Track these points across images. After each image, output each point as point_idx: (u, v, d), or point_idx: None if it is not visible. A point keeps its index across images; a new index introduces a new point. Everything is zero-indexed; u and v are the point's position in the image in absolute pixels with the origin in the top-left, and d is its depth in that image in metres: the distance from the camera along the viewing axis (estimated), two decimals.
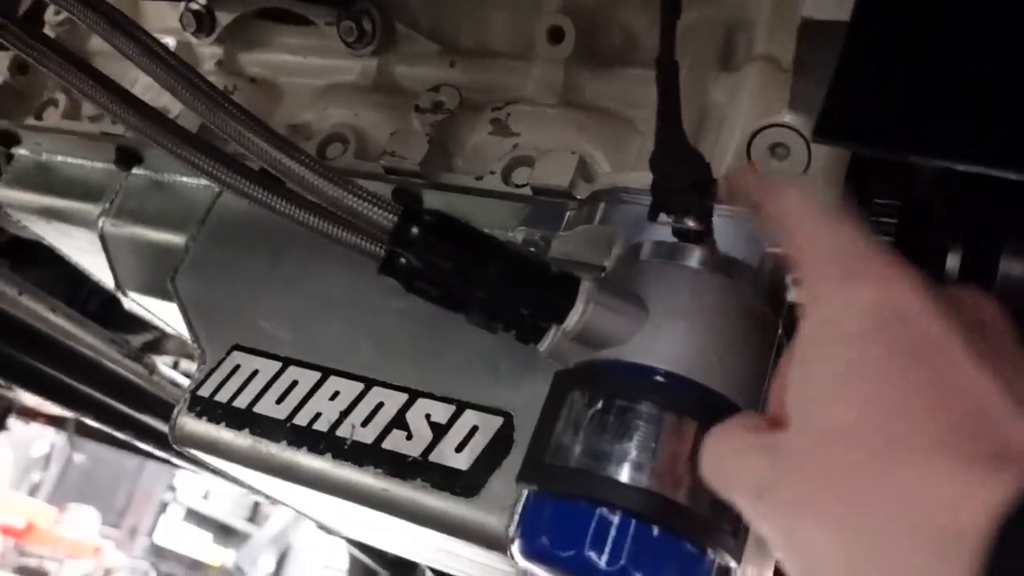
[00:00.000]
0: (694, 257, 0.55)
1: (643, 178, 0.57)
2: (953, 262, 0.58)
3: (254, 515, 7.13)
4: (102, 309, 1.48)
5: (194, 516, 7.05)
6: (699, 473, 0.42)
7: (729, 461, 0.39)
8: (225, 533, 7.11)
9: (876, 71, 0.45)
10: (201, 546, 7.00)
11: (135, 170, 0.89)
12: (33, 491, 6.69)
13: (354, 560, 2.11)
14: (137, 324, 1.50)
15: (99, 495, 6.80)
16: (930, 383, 0.31)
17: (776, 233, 0.40)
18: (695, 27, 0.68)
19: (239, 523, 7.13)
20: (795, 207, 0.39)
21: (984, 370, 0.31)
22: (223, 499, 7.07)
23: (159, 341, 1.76)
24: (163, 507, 7.09)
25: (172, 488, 7.04)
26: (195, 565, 7.01)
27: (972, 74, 0.45)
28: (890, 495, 0.30)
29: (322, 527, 1.35)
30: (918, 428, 0.30)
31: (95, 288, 1.19)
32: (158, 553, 6.95)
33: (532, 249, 0.64)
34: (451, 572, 1.16)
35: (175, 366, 1.62)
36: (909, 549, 0.28)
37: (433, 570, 1.51)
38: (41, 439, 6.56)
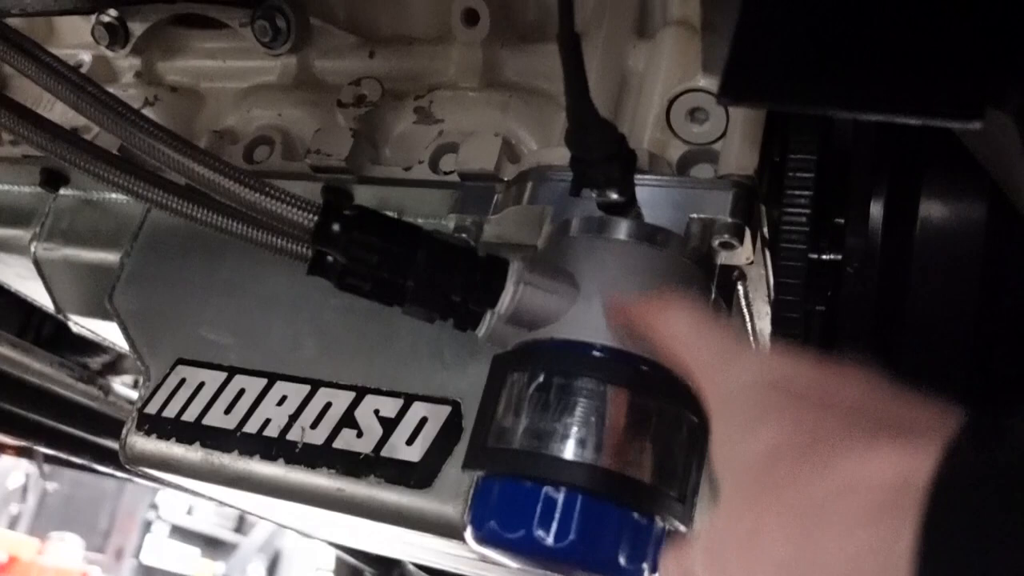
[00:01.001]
0: (621, 229, 0.55)
1: (567, 155, 0.57)
2: (876, 208, 0.58)
3: (240, 525, 7.09)
4: (57, 334, 1.46)
5: (179, 532, 6.99)
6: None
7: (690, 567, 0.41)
8: (212, 546, 7.06)
9: (777, 26, 0.46)
10: (189, 561, 6.94)
11: (63, 191, 0.87)
12: (13, 524, 6.58)
13: (339, 561, 2.11)
14: (94, 347, 1.48)
15: (81, 521, 6.71)
16: (823, 401, 0.36)
17: (664, 352, 0.46)
18: None
19: (226, 534, 7.08)
20: (674, 327, 0.46)
21: (856, 387, 0.36)
22: (207, 512, 7.01)
23: (117, 362, 1.73)
24: (147, 526, 7.02)
25: (154, 506, 6.97)
26: None
27: (872, 23, 0.45)
28: (825, 488, 0.32)
29: (302, 533, 1.35)
30: (830, 428, 0.34)
31: (48, 315, 1.17)
32: (146, 573, 6.88)
33: (464, 235, 0.64)
34: (428, 564, 1.17)
35: (135, 385, 1.60)
36: (863, 531, 0.30)
37: (415, 564, 1.52)
38: (16, 471, 6.45)
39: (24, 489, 6.66)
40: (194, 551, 6.99)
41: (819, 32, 0.45)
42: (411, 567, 1.58)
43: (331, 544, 1.75)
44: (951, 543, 0.27)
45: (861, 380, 0.37)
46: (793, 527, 0.33)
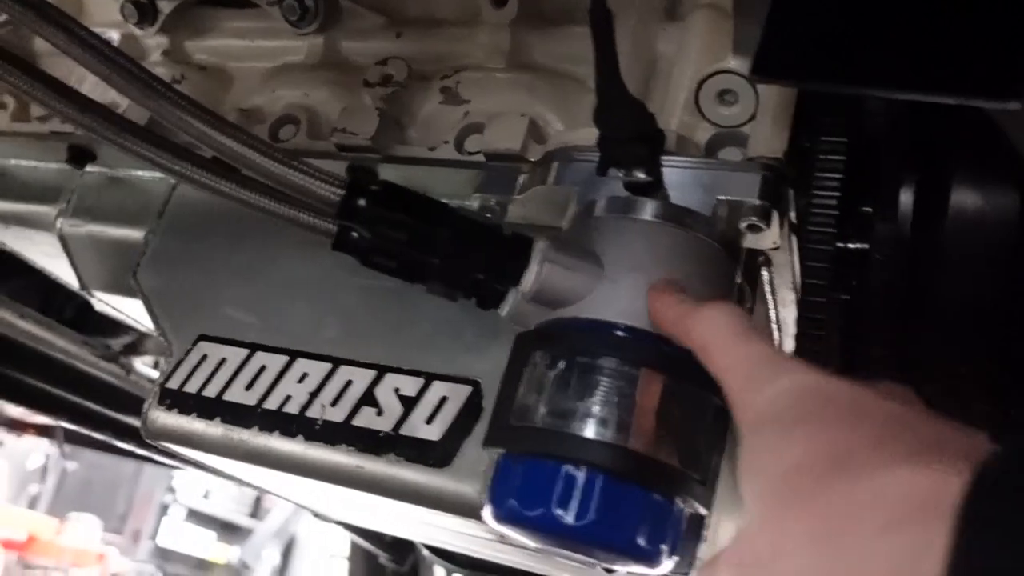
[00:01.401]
0: (647, 210, 0.55)
1: (593, 135, 0.56)
2: (906, 195, 0.58)
3: (256, 510, 7.15)
4: (79, 315, 1.47)
5: (196, 516, 7.06)
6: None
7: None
8: (228, 530, 7.12)
9: (811, 5, 0.45)
10: (205, 545, 7.01)
11: (89, 168, 0.87)
12: (32, 503, 6.67)
13: (354, 545, 2.12)
14: (116, 327, 1.49)
15: (99, 502, 6.79)
16: (854, 415, 0.36)
17: (700, 357, 0.46)
18: None
19: (241, 519, 7.14)
20: (711, 334, 0.45)
21: (893, 403, 0.36)
22: (224, 496, 7.07)
23: (138, 342, 1.75)
24: (164, 509, 7.09)
25: (172, 490, 7.04)
26: (201, 564, 7.03)
27: (908, 2, 0.44)
28: (857, 502, 0.32)
29: (317, 515, 1.36)
30: (858, 443, 0.34)
31: (71, 295, 1.18)
32: (163, 555, 6.96)
33: (488, 215, 0.63)
34: (442, 545, 1.17)
35: (155, 365, 1.61)
36: (888, 543, 0.31)
37: (427, 546, 1.52)
38: (36, 451, 6.53)
39: (44, 470, 6.75)
40: (210, 535, 7.06)
41: (854, 12, 0.44)
42: (425, 552, 1.59)
43: (346, 528, 1.76)
44: (984, 555, 0.27)
45: (896, 397, 0.37)
46: (820, 537, 0.33)
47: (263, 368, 0.69)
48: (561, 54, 0.70)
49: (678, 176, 0.56)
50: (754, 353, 0.43)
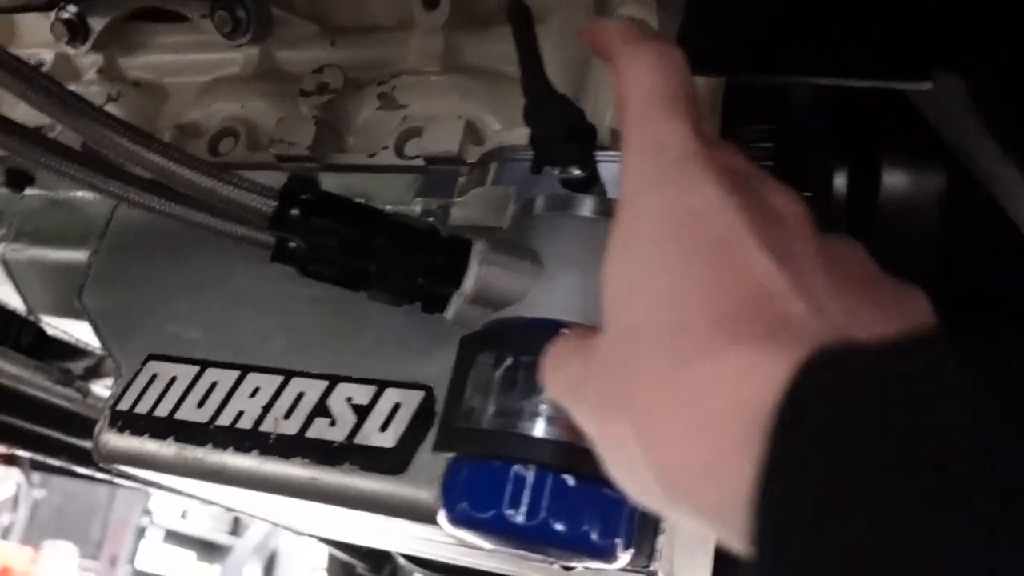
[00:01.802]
0: (584, 206, 0.55)
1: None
2: (840, 180, 0.58)
3: (235, 527, 7.07)
4: (37, 342, 1.45)
5: (174, 537, 6.96)
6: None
7: (561, 366, 0.40)
8: (208, 549, 7.03)
9: None
10: (185, 565, 6.92)
11: (28, 191, 0.86)
12: (5, 534, 6.55)
13: (331, 557, 2.11)
14: (75, 352, 1.47)
15: (74, 529, 6.68)
16: (714, 273, 0.31)
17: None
18: None
19: (221, 537, 7.06)
20: (632, 91, 0.37)
21: (771, 257, 0.31)
22: (202, 515, 6.99)
23: (100, 364, 1.72)
24: (141, 532, 6.98)
25: (148, 512, 6.93)
26: None
27: None
28: (679, 385, 0.30)
29: (292, 530, 1.34)
30: (700, 316, 0.30)
31: (26, 322, 1.16)
32: None
33: (431, 219, 0.63)
34: (413, 553, 1.16)
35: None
36: (698, 434, 0.29)
37: (403, 555, 1.51)
38: (6, 481, 6.41)
39: (15, 499, 6.63)
40: (189, 555, 6.97)
41: (769, 1, 0.45)
42: (402, 560, 1.58)
43: (323, 541, 1.75)
44: (787, 480, 0.25)
45: (795, 233, 0.33)
46: (635, 420, 0.31)
47: (214, 384, 0.69)
48: (495, 55, 0.70)
49: (614, 171, 0.57)
50: (665, 135, 0.35)
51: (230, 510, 1.12)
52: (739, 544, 0.28)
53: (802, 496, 0.24)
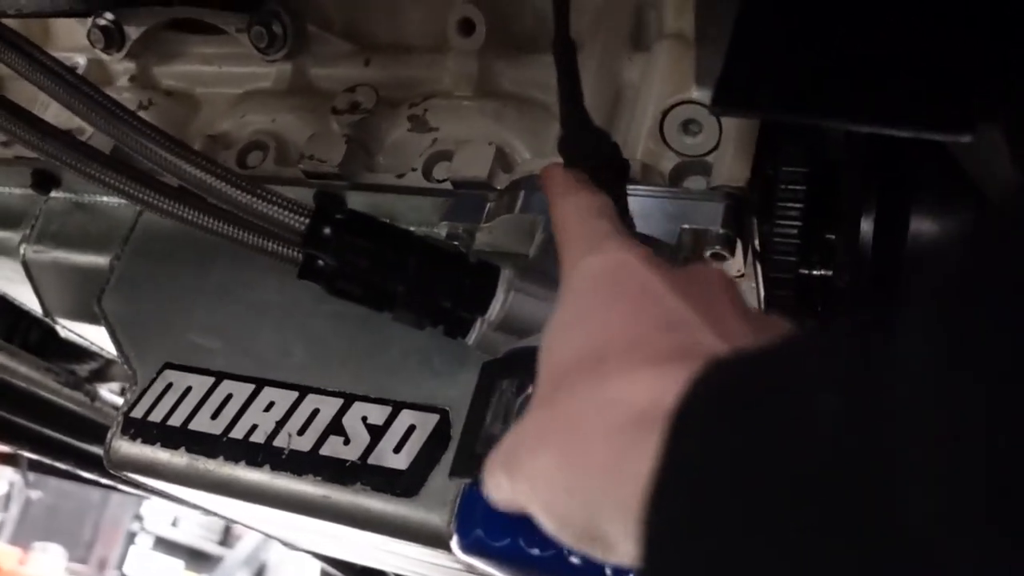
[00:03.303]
0: None
1: (561, 163, 0.57)
2: (867, 223, 0.58)
3: (226, 537, 7.03)
4: (44, 341, 1.45)
5: (164, 544, 6.92)
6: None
7: (489, 474, 0.40)
8: (197, 558, 6.99)
9: (771, 38, 0.46)
10: (173, 574, 6.88)
11: (54, 193, 0.86)
12: None
13: (324, 573, 2.09)
14: (82, 354, 1.47)
15: (64, 531, 6.64)
16: (633, 311, 0.35)
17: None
18: (606, 9, 0.69)
19: (211, 547, 7.01)
20: (565, 211, 0.44)
21: (683, 299, 0.35)
22: (193, 524, 6.95)
23: (105, 368, 1.72)
24: (131, 538, 6.94)
25: (139, 517, 6.90)
26: None
27: (867, 36, 0.45)
28: (593, 404, 0.32)
29: (286, 544, 1.34)
30: (620, 343, 0.34)
31: (35, 320, 1.16)
32: None
33: (456, 243, 0.64)
34: (410, 575, 1.15)
35: (122, 392, 1.59)
36: (608, 444, 0.31)
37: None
38: None
39: (7, 498, 6.60)
40: (178, 563, 6.92)
41: (813, 44, 0.45)
42: None
43: (315, 556, 1.74)
44: (681, 480, 0.27)
45: (698, 286, 0.37)
46: (557, 441, 0.33)
47: (229, 396, 0.69)
48: (528, 82, 0.71)
49: (643, 205, 0.57)
50: (589, 230, 0.42)
51: (230, 520, 1.12)
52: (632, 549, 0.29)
53: (687, 490, 0.26)
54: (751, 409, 0.25)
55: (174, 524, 6.91)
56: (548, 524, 0.35)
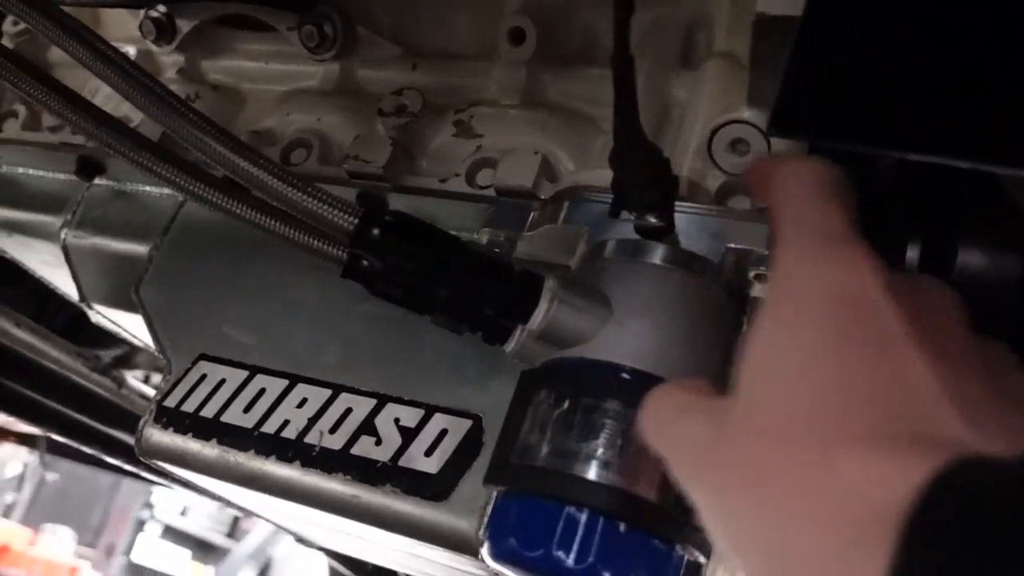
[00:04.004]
0: (656, 254, 0.55)
1: (606, 176, 0.57)
2: (913, 254, 0.58)
3: (233, 530, 7.06)
4: (71, 325, 1.46)
5: (172, 533, 6.97)
6: (641, 437, 0.41)
7: (670, 419, 0.38)
8: (204, 549, 7.02)
9: (829, 64, 0.46)
10: (180, 563, 6.91)
11: (97, 180, 0.88)
12: (7, 512, 6.58)
13: (334, 572, 2.10)
14: (107, 339, 1.49)
15: (74, 515, 6.70)
16: (876, 375, 0.31)
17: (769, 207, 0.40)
18: (655, 26, 0.69)
19: (218, 539, 7.05)
20: (787, 183, 0.39)
21: (930, 365, 0.31)
22: (201, 515, 6.98)
23: (129, 355, 1.74)
24: (140, 525, 7.00)
25: (149, 505, 6.95)
26: None
27: (924, 64, 0.45)
28: (821, 475, 0.29)
29: (300, 540, 1.34)
30: (855, 418, 0.30)
31: (63, 304, 1.18)
32: (136, 572, 6.85)
33: (496, 250, 0.64)
34: None
35: (146, 380, 1.60)
36: (830, 526, 0.28)
37: None
38: (13, 460, 6.45)
39: (21, 479, 6.67)
40: (185, 553, 6.96)
41: (873, 71, 0.45)
42: None
43: (329, 555, 1.74)
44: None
45: (941, 323, 0.33)
46: (757, 508, 0.31)
47: (262, 391, 0.69)
48: (576, 94, 0.71)
49: (688, 222, 0.57)
50: (819, 217, 0.35)
51: (251, 513, 1.12)
52: None
53: None
54: (998, 526, 0.24)
55: (183, 514, 6.95)
56: (713, 535, 0.33)
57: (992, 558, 0.23)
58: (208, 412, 0.70)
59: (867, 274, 0.33)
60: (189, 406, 0.70)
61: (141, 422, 0.72)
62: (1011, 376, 0.37)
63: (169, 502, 6.87)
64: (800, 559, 0.29)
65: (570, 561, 0.47)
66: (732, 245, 0.56)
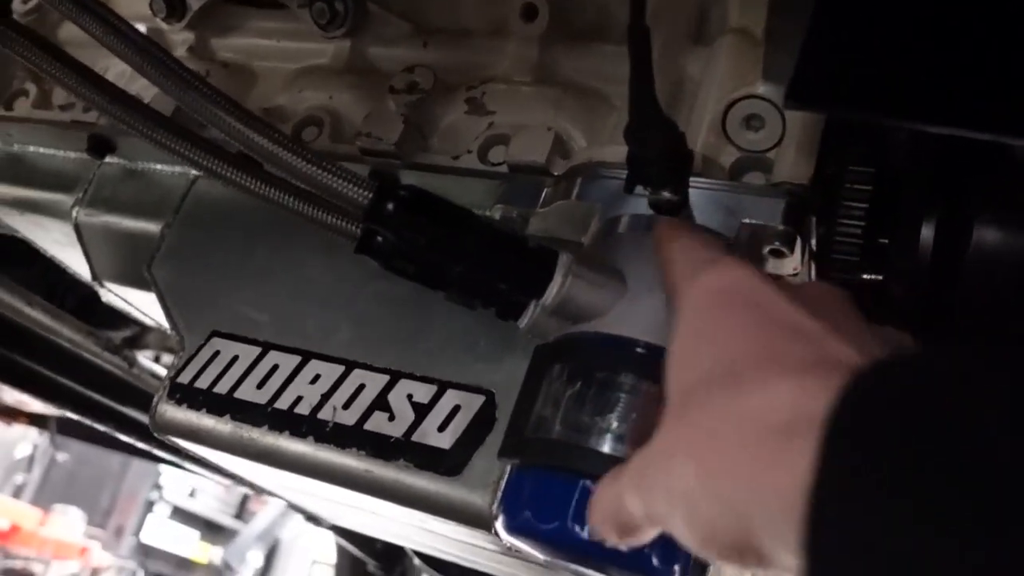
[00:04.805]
0: None
1: (619, 153, 0.57)
2: (928, 230, 0.58)
3: (241, 511, 7.11)
4: (81, 305, 1.47)
5: (180, 514, 7.02)
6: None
7: (608, 499, 0.42)
8: (212, 530, 7.07)
9: (846, 36, 0.46)
10: (188, 544, 6.97)
11: (108, 158, 0.88)
12: (17, 493, 6.63)
13: (342, 551, 2.11)
14: (117, 319, 1.49)
15: (84, 495, 6.76)
16: (755, 324, 0.37)
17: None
18: (669, 2, 0.68)
19: (226, 520, 7.10)
20: (675, 233, 0.48)
21: (804, 310, 0.37)
22: (209, 496, 7.03)
23: (140, 336, 1.75)
24: (149, 506, 7.05)
25: (158, 487, 7.00)
26: (182, 563, 6.98)
27: (940, 37, 0.45)
28: (736, 412, 0.34)
29: (310, 518, 1.35)
30: (750, 357, 0.35)
31: (73, 284, 1.18)
32: (145, 552, 6.91)
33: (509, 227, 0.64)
34: (437, 554, 1.16)
35: (156, 360, 1.61)
36: (754, 453, 0.32)
37: (419, 554, 1.52)
38: (24, 441, 6.50)
39: (31, 460, 6.72)
40: (194, 534, 7.01)
41: (890, 43, 0.45)
42: (417, 561, 1.58)
43: (338, 532, 1.75)
44: (842, 475, 0.28)
45: (820, 302, 0.38)
46: (697, 452, 0.35)
47: (275, 367, 0.69)
48: (589, 71, 0.71)
49: (702, 198, 0.57)
50: (698, 256, 0.44)
51: (262, 490, 1.13)
52: (788, 559, 0.30)
53: (854, 492, 0.27)
54: (914, 415, 0.26)
55: (192, 495, 7.00)
56: (691, 538, 0.36)
57: (918, 439, 0.26)
58: (221, 388, 0.70)
59: (746, 270, 0.40)
60: (203, 382, 0.71)
61: (155, 398, 0.72)
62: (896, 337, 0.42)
63: (178, 484, 6.92)
64: (733, 482, 0.32)
65: (586, 533, 0.47)
66: (747, 220, 0.56)
